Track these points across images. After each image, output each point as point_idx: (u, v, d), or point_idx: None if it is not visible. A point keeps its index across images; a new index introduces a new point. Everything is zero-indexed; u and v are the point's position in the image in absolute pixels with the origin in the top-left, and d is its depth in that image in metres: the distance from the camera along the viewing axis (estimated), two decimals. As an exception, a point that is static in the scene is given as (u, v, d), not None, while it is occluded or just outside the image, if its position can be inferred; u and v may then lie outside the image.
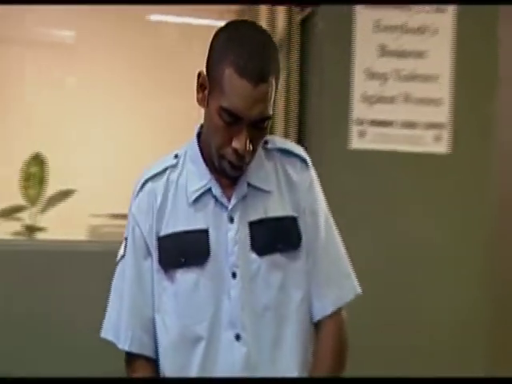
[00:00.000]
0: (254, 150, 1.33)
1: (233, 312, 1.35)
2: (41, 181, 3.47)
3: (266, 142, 1.43)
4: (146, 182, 1.44)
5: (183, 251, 1.37)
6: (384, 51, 2.25)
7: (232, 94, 1.25)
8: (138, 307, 1.41)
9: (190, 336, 1.36)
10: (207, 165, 1.39)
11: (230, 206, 1.37)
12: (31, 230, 3.37)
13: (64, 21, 4.29)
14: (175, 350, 1.38)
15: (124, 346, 1.40)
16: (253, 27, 1.34)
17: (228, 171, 1.35)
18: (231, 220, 1.37)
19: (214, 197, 1.38)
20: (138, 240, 1.41)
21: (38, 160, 3.47)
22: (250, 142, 1.29)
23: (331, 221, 1.47)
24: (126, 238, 1.44)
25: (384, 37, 2.24)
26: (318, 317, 1.42)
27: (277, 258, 1.38)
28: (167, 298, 1.39)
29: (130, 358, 1.42)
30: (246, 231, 1.37)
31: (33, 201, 3.45)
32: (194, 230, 1.37)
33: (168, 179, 1.42)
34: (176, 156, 1.44)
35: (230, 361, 1.34)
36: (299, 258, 1.40)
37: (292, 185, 1.42)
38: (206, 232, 1.37)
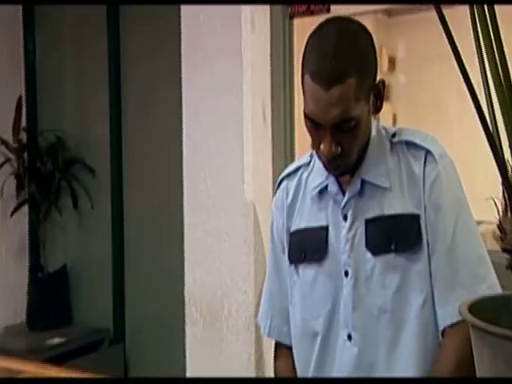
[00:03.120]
0: (347, 152, 1.27)
1: (345, 311, 1.33)
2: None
3: (393, 135, 1.37)
4: (282, 180, 1.50)
5: (304, 247, 1.39)
6: None
7: (308, 99, 1.24)
8: (276, 298, 1.49)
9: (309, 330, 1.38)
10: None
11: (342, 204, 1.35)
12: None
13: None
14: (299, 342, 1.42)
15: (264, 332, 1.51)
16: (338, 26, 1.27)
17: (329, 171, 1.34)
18: (345, 217, 1.35)
19: (332, 194, 1.37)
20: (276, 235, 1.49)
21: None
22: (339, 144, 1.25)
23: (466, 218, 1.30)
24: None
25: None
26: (441, 326, 1.28)
27: (392, 258, 1.29)
28: (296, 291, 1.42)
29: (276, 345, 1.52)
30: (362, 229, 1.32)
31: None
32: (315, 226, 1.38)
33: (300, 177, 1.45)
34: (311, 155, 1.46)
35: (342, 360, 1.33)
36: (419, 259, 1.28)
37: (414, 179, 1.31)
38: (326, 229, 1.37)
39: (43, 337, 3.01)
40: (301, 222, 1.42)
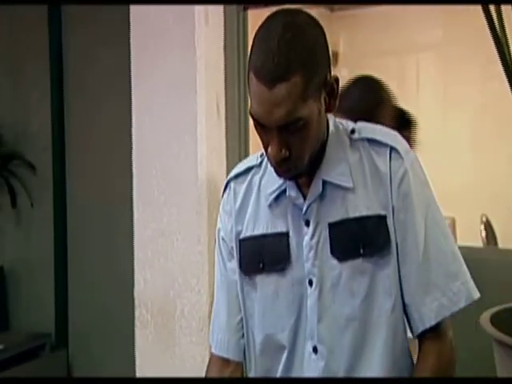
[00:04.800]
0: (296, 155, 1.18)
1: (310, 323, 1.24)
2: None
3: (352, 131, 1.28)
4: (229, 181, 1.38)
5: (262, 256, 1.28)
6: None
7: (253, 99, 1.14)
8: (222, 311, 1.39)
9: (272, 345, 1.29)
10: None
11: (304, 208, 1.25)
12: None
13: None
14: (261, 355, 1.33)
15: (212, 349, 1.40)
16: (284, 19, 1.16)
17: (279, 175, 1.24)
18: (307, 223, 1.25)
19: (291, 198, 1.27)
20: (222, 241, 1.38)
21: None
22: (287, 147, 1.15)
23: (435, 215, 1.25)
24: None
25: None
26: (419, 329, 1.22)
27: (360, 263, 1.21)
28: (250, 303, 1.32)
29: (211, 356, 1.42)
30: (326, 234, 1.23)
31: None
32: (273, 233, 1.28)
33: (251, 180, 1.34)
34: (262, 155, 1.34)
35: (309, 374, 1.25)
36: (388, 262, 1.22)
37: (380, 178, 1.23)
38: (286, 236, 1.27)
39: (-22, 343, 2.84)
40: (255, 229, 1.31)
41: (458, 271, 1.22)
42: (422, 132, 4.29)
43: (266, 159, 1.31)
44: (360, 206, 1.23)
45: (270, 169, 1.27)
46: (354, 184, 1.23)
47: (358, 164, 1.25)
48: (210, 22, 2.42)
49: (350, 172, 1.24)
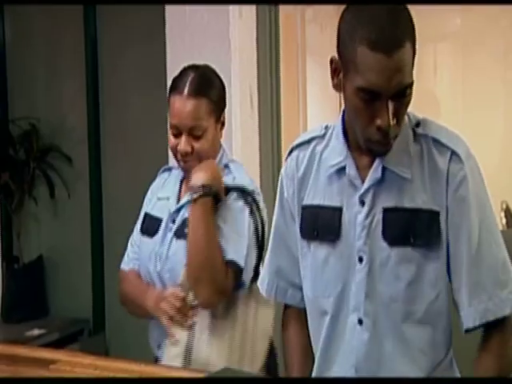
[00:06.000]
0: (399, 123, 1.23)
1: (357, 296, 1.31)
2: None
3: (417, 124, 1.31)
4: (293, 149, 1.43)
5: (316, 225, 1.35)
6: None
7: (368, 70, 1.18)
8: (285, 268, 1.45)
9: (318, 308, 1.37)
10: (347, 142, 1.32)
11: (361, 190, 1.30)
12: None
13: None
14: (309, 314, 1.41)
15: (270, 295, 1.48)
16: None
17: (377, 151, 1.27)
18: (362, 203, 1.30)
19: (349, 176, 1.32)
20: (285, 202, 1.43)
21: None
22: (394, 115, 1.20)
23: (490, 223, 1.29)
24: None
25: None
26: (464, 326, 1.28)
27: (409, 251, 1.27)
28: (305, 264, 1.39)
29: (284, 311, 1.50)
30: (379, 217, 1.29)
31: None
32: (328, 206, 1.34)
33: (314, 150, 1.39)
34: (326, 127, 1.40)
35: (352, 343, 1.32)
36: (437, 256, 1.28)
37: (438, 177, 1.27)
38: (339, 210, 1.32)
39: (20, 329, 2.95)
40: (314, 198, 1.37)
41: (507, 280, 1.27)
42: (441, 121, 4.30)
43: (330, 131, 1.38)
44: (415, 197, 1.27)
45: (333, 142, 1.35)
46: (413, 176, 1.28)
47: (418, 157, 1.29)
48: (243, 15, 2.50)
49: (409, 164, 1.28)
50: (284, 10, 2.59)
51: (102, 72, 2.98)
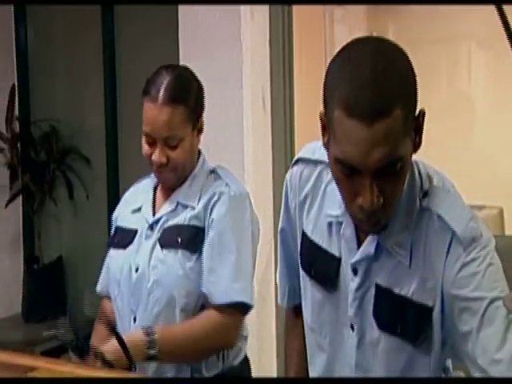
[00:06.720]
0: (389, 203, 1.05)
1: (349, 359, 1.21)
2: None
3: (425, 195, 1.12)
4: (298, 161, 1.29)
5: (315, 266, 1.23)
6: None
7: (344, 140, 0.99)
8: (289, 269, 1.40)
9: (315, 341, 1.29)
10: None
11: (354, 259, 1.16)
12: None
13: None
14: (307, 340, 1.32)
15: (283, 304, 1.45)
16: (372, 47, 1.02)
17: (365, 229, 1.12)
18: (355, 272, 1.16)
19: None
20: (291, 210, 1.31)
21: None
22: (381, 193, 1.02)
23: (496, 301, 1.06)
24: None
25: None
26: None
27: (398, 340, 1.14)
28: (305, 294, 1.29)
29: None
30: (372, 292, 1.15)
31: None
32: (327, 251, 1.20)
33: (320, 176, 1.23)
34: None
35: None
36: (428, 349, 1.13)
37: (436, 262, 1.10)
38: (337, 261, 1.18)
39: (39, 328, 2.98)
40: (314, 234, 1.23)
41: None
42: (474, 122, 4.20)
43: None
44: (408, 285, 1.11)
45: (333, 185, 1.14)
46: (411, 261, 1.11)
47: (420, 238, 1.12)
48: (255, 15, 2.47)
49: (410, 246, 1.12)
50: (311, 9, 2.54)
51: (119, 74, 2.99)
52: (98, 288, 1.81)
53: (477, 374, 1.07)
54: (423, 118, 1.06)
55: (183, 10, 2.55)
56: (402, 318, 1.12)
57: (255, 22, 2.47)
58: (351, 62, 1.00)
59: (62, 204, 3.15)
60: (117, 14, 2.97)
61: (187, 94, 1.56)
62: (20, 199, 3.16)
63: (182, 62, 2.54)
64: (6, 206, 3.06)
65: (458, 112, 4.19)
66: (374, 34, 2.74)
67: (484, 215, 3.09)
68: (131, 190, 1.79)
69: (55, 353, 2.74)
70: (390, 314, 1.13)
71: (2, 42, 3.13)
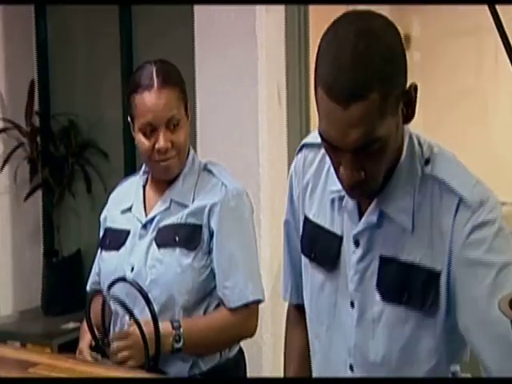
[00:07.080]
0: (373, 176, 1.06)
1: (348, 342, 1.19)
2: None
3: (426, 162, 1.12)
4: (303, 147, 1.30)
5: (316, 248, 1.23)
6: None
7: (324, 119, 1.02)
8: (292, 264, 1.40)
9: (312, 329, 1.29)
10: None
11: (355, 230, 1.15)
12: None
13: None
14: (309, 327, 1.32)
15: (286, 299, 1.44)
16: (356, 26, 1.01)
17: (352, 198, 1.14)
18: (356, 244, 1.16)
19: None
20: (295, 199, 1.32)
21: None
22: (362, 168, 1.03)
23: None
24: None
25: None
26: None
27: (403, 310, 1.12)
28: (306, 279, 1.29)
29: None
30: (375, 265, 1.14)
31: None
32: (330, 230, 1.20)
33: (323, 158, 1.23)
34: None
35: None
36: (434, 318, 1.10)
37: (443, 229, 1.08)
38: (339, 239, 1.19)
39: (58, 321, 3.02)
40: (317, 216, 1.23)
41: None
42: (499, 115, 4.10)
43: None
44: (414, 251, 1.10)
45: None
46: (414, 227, 1.11)
47: (424, 204, 1.11)
48: (270, 10, 2.45)
49: (412, 211, 1.11)
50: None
51: (136, 67, 3.00)
52: (88, 289, 1.81)
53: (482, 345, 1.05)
54: (415, 91, 1.07)
55: (199, 6, 2.54)
56: (408, 285, 1.11)
57: (270, 16, 2.45)
58: (334, 42, 1.01)
59: (80, 198, 3.18)
60: (134, 12, 2.98)
61: (178, 77, 1.62)
62: (40, 193, 3.19)
63: (197, 58, 2.54)
64: (26, 199, 3.10)
65: (483, 105, 4.12)
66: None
67: (505, 211, 3.03)
68: (118, 189, 1.79)
69: (73, 345, 2.78)
70: (396, 284, 1.12)
71: (22, 37, 3.16)
